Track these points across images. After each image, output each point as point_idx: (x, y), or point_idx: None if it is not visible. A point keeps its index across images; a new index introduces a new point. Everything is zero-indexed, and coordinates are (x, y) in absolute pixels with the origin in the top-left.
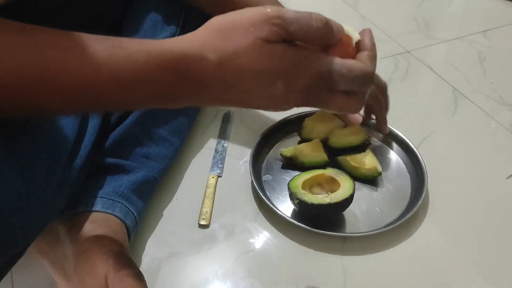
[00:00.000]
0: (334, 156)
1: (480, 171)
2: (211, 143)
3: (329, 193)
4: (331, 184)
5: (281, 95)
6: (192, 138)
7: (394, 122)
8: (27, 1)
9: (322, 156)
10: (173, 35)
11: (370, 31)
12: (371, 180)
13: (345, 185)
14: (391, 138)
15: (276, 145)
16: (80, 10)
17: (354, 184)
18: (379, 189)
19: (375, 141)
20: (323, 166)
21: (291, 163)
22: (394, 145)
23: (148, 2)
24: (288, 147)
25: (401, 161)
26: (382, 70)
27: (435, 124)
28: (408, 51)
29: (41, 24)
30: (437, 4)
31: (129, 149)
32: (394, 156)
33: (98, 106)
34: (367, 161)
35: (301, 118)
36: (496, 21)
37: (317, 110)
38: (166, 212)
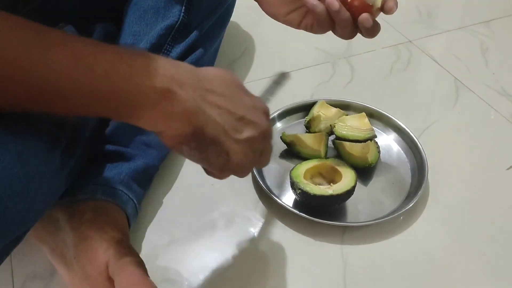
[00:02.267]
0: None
1: (480, 162)
2: None
3: (331, 184)
4: (332, 174)
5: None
6: None
7: (395, 112)
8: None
9: (319, 152)
10: (176, 21)
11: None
12: (372, 169)
13: (346, 176)
14: (392, 127)
15: (277, 133)
16: None
17: (356, 176)
18: (379, 178)
19: (376, 130)
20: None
21: (289, 150)
22: (395, 135)
23: None
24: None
25: (402, 151)
26: (384, 60)
27: (436, 115)
28: (410, 41)
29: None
30: None
31: (129, 136)
32: (395, 146)
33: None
34: (362, 150)
35: (303, 107)
36: (499, 11)
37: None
38: (166, 199)
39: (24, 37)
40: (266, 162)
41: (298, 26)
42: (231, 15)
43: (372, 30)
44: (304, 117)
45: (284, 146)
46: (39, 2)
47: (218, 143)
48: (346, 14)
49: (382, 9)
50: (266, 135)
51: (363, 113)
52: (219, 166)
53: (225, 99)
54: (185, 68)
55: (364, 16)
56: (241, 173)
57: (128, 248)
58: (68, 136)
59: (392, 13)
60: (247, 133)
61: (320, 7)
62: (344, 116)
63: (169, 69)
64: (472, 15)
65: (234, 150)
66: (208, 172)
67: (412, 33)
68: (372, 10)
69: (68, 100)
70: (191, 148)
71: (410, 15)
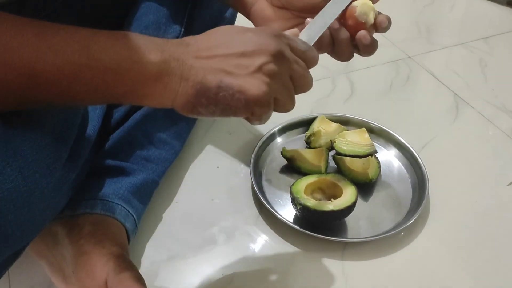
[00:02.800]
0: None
1: (481, 177)
2: (211, 147)
3: (331, 199)
4: (333, 189)
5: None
6: (192, 142)
7: (396, 127)
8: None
9: (319, 168)
10: (177, 36)
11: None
12: (373, 185)
13: (347, 192)
14: (392, 143)
15: (278, 148)
16: (80, 10)
17: (357, 191)
18: (380, 194)
19: (377, 146)
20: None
21: (289, 166)
22: (395, 150)
23: (151, 0)
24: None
25: (402, 166)
26: (383, 76)
27: (436, 130)
28: (410, 57)
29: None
30: (438, 10)
31: (129, 151)
32: (396, 161)
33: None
34: (363, 165)
35: (304, 123)
36: (497, 27)
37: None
38: (166, 215)
39: (24, 31)
40: (305, 84)
41: None
42: None
43: (370, 47)
44: (304, 133)
45: (285, 161)
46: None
47: (225, 87)
48: (345, 33)
49: (375, 25)
50: (280, 56)
51: (363, 129)
52: (240, 107)
53: (217, 47)
54: (173, 41)
55: (362, 33)
56: (278, 106)
57: (127, 263)
58: (69, 151)
59: (384, 27)
60: (256, 62)
61: None
62: (344, 131)
63: (160, 44)
64: (470, 31)
65: (247, 84)
66: (248, 120)
67: (412, 49)
68: (366, 27)
69: (69, 85)
70: (205, 106)
71: (410, 32)
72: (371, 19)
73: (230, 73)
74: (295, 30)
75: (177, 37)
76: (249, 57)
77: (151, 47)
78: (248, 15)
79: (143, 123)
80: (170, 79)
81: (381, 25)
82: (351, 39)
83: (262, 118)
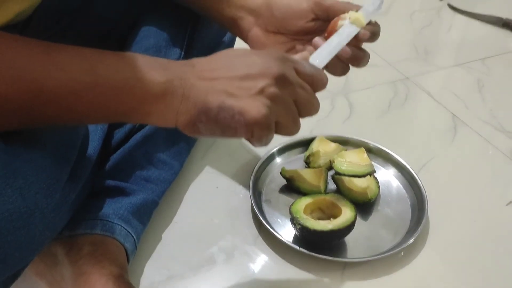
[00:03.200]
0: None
1: (480, 197)
2: (210, 168)
3: (331, 219)
4: (332, 209)
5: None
6: (192, 162)
7: (394, 147)
8: (32, 20)
9: (318, 188)
10: (177, 59)
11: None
12: (372, 204)
13: (346, 211)
14: (391, 163)
15: (277, 168)
16: (82, 33)
17: (356, 211)
18: (379, 214)
19: (375, 165)
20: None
21: (288, 186)
22: (394, 170)
23: (152, 23)
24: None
25: (401, 186)
26: (382, 96)
27: (434, 150)
28: (408, 78)
29: None
30: (436, 32)
31: (129, 171)
32: (394, 181)
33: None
34: (362, 185)
35: (303, 143)
36: (494, 49)
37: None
38: (165, 235)
39: (31, 49)
40: (310, 109)
41: None
42: None
43: (355, 58)
44: (303, 153)
45: (284, 181)
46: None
47: (226, 108)
48: None
49: (358, 37)
50: (283, 79)
51: (362, 148)
52: (240, 128)
53: (221, 69)
54: (178, 62)
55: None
56: (281, 129)
57: (126, 284)
58: (69, 171)
59: (365, 38)
60: (258, 85)
61: (308, 48)
62: (343, 151)
63: (165, 64)
64: (467, 52)
65: (248, 106)
66: (249, 141)
67: (409, 70)
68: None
69: (74, 103)
70: (205, 124)
71: (407, 53)
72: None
73: (232, 95)
74: (305, 53)
75: (177, 59)
76: (252, 79)
77: (155, 66)
78: (245, 40)
79: (143, 143)
80: (173, 98)
81: (362, 37)
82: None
83: (262, 140)
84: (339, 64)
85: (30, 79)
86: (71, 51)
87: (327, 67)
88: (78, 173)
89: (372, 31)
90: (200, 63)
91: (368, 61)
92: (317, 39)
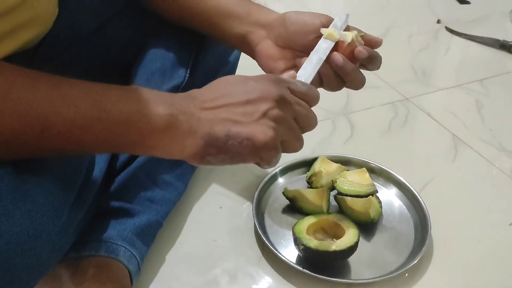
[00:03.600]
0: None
1: (483, 217)
2: (214, 188)
3: (334, 239)
4: (335, 229)
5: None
6: (195, 183)
7: (395, 167)
8: (42, 47)
9: (321, 208)
10: (182, 81)
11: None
12: (374, 225)
13: (349, 232)
14: (392, 183)
15: (279, 189)
16: (91, 59)
17: (359, 231)
18: (382, 234)
19: (377, 185)
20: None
21: (291, 206)
22: (396, 190)
23: (158, 46)
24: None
25: (404, 206)
26: (382, 117)
27: (436, 170)
28: (407, 98)
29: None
30: (433, 53)
31: (133, 192)
32: (397, 201)
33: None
34: (365, 205)
35: (305, 163)
36: (492, 70)
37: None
38: (169, 256)
39: (38, 84)
40: (310, 123)
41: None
42: (234, 74)
43: (346, 72)
44: (305, 173)
45: (287, 202)
46: (49, 67)
47: (233, 136)
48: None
49: (353, 51)
50: (282, 100)
51: (364, 169)
52: (248, 153)
53: (222, 98)
54: (180, 94)
55: (333, 54)
56: (287, 147)
57: None
58: (76, 194)
59: (362, 56)
60: (261, 109)
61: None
62: (345, 171)
63: (168, 98)
64: (466, 74)
65: (254, 131)
66: (258, 165)
67: (409, 91)
68: (343, 47)
69: (80, 136)
70: (214, 155)
71: (406, 74)
72: (348, 37)
73: (237, 122)
74: (292, 73)
75: (182, 81)
76: (253, 104)
77: (159, 101)
78: (252, 55)
79: (147, 165)
80: (178, 132)
81: (359, 55)
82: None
83: (271, 162)
84: (334, 79)
85: (37, 114)
86: (78, 85)
87: (324, 83)
88: (84, 196)
89: (370, 52)
90: (200, 93)
91: (364, 83)
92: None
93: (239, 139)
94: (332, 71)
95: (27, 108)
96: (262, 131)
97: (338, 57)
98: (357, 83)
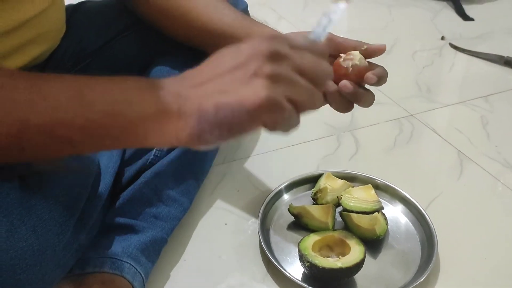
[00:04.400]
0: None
1: (489, 234)
2: (219, 204)
3: (340, 256)
4: (341, 246)
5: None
6: (200, 199)
7: (401, 184)
8: (50, 63)
9: (326, 224)
10: None
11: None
12: (380, 242)
13: (355, 249)
14: (398, 199)
15: (285, 205)
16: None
17: (365, 248)
18: (388, 251)
19: (383, 202)
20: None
21: (296, 222)
22: (402, 207)
23: (164, 63)
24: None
25: (410, 223)
26: (387, 133)
27: (442, 186)
28: (412, 115)
29: None
30: (438, 70)
31: (139, 209)
32: (403, 218)
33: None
34: (371, 222)
35: (310, 180)
36: (496, 86)
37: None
38: (173, 273)
39: (17, 85)
40: (320, 74)
41: None
42: None
43: (356, 96)
44: (311, 189)
45: (292, 218)
46: None
47: (223, 106)
48: (333, 86)
49: (361, 74)
50: (275, 55)
51: (369, 185)
52: (245, 120)
53: (211, 70)
54: (170, 78)
55: (342, 82)
56: (300, 106)
57: None
58: (81, 209)
59: (373, 83)
60: (249, 70)
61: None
62: (351, 188)
63: (157, 83)
64: (470, 90)
65: (244, 95)
66: (270, 131)
67: (413, 107)
68: (348, 72)
69: (64, 132)
70: (209, 132)
71: (410, 90)
72: (355, 64)
73: (226, 91)
74: (303, 32)
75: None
76: (242, 67)
77: (145, 87)
78: None
79: (153, 180)
80: (168, 116)
81: (369, 81)
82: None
83: (279, 124)
84: (343, 101)
85: (15, 114)
86: (59, 81)
87: (332, 104)
88: (89, 212)
89: (379, 75)
90: (191, 72)
91: (373, 101)
92: None
93: (230, 108)
94: (342, 96)
95: (5, 110)
96: (253, 93)
97: (347, 85)
98: (368, 103)
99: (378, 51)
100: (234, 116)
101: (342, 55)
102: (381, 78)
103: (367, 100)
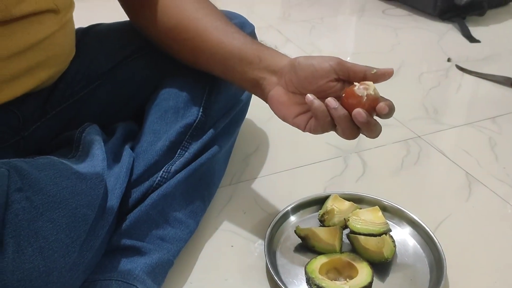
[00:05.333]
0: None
1: (499, 257)
2: (225, 226)
3: (347, 279)
4: (348, 269)
5: None
6: (207, 220)
7: (409, 206)
8: (59, 85)
9: (333, 247)
10: (195, 120)
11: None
12: (388, 264)
13: (363, 272)
14: (406, 221)
15: (291, 227)
16: (106, 97)
17: (373, 271)
18: (397, 274)
19: (391, 224)
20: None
21: (303, 244)
22: (410, 229)
23: (171, 86)
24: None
25: (418, 245)
26: (394, 154)
27: (450, 208)
28: (419, 136)
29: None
30: (444, 92)
31: (145, 230)
32: (411, 240)
33: None
34: (378, 244)
35: (317, 201)
36: (504, 108)
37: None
38: None
39: None
40: None
41: (304, 128)
42: (245, 114)
43: (368, 126)
44: (318, 211)
45: (299, 240)
46: (66, 105)
47: None
48: (343, 111)
49: (374, 106)
50: None
51: (377, 207)
52: None
53: None
54: None
55: (356, 110)
56: None
57: None
58: (86, 231)
59: (384, 114)
60: None
61: (316, 102)
62: (358, 209)
63: None
64: (478, 111)
65: None
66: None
67: (421, 129)
68: (363, 101)
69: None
70: None
71: (417, 112)
72: (370, 93)
73: None
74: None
75: (195, 120)
76: None
77: None
78: (265, 100)
79: (160, 202)
80: None
81: (381, 111)
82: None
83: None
84: (349, 126)
85: None
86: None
87: (338, 130)
88: (95, 233)
89: (390, 107)
90: None
91: (380, 133)
92: (330, 100)
93: None
94: (351, 123)
95: None
96: None
97: (362, 113)
98: (376, 134)
99: (387, 74)
100: None
101: (356, 83)
102: (391, 110)
103: (376, 130)
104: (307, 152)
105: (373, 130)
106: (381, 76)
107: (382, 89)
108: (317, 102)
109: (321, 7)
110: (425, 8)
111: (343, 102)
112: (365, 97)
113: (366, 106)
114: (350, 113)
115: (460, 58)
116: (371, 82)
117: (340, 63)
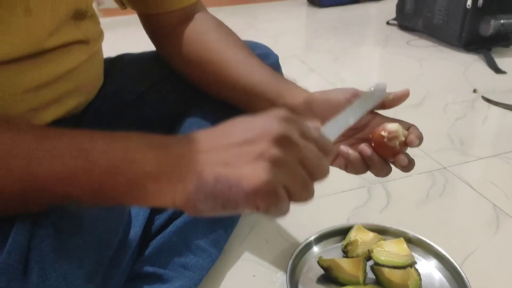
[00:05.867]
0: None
1: None
2: (247, 255)
3: None
4: None
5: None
6: (229, 249)
7: (434, 238)
8: (85, 115)
9: (357, 278)
10: None
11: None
12: None
13: None
14: (432, 254)
15: (314, 257)
16: (133, 124)
17: None
18: None
19: (416, 256)
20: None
21: (326, 275)
22: (436, 262)
23: (196, 114)
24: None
25: (444, 279)
26: (419, 186)
27: (477, 241)
28: (445, 167)
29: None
30: (471, 123)
31: (168, 258)
32: (437, 273)
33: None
34: (403, 277)
35: (340, 232)
36: None
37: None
38: None
39: (24, 139)
40: (319, 172)
41: (331, 164)
42: None
43: (408, 167)
44: (341, 242)
45: (322, 271)
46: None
47: (222, 180)
48: (376, 157)
49: (406, 143)
50: (285, 140)
51: (401, 239)
52: (240, 200)
53: (221, 138)
54: (177, 137)
55: (399, 157)
56: (293, 196)
57: None
58: (110, 257)
59: (415, 146)
60: (257, 149)
61: (353, 154)
62: (382, 241)
63: (162, 143)
64: (505, 143)
65: (246, 174)
66: (263, 213)
67: (446, 160)
68: (397, 149)
69: (65, 189)
70: (203, 201)
71: (443, 143)
72: (401, 140)
73: (229, 164)
74: (317, 123)
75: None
76: (251, 144)
77: (150, 145)
78: None
79: (183, 230)
80: (169, 177)
81: (412, 144)
82: (385, 158)
83: (271, 210)
84: (383, 168)
85: (20, 169)
86: (65, 138)
87: (372, 168)
88: (118, 259)
89: (419, 136)
90: (200, 135)
91: (389, 173)
92: (364, 148)
93: (228, 184)
94: (385, 164)
95: (10, 163)
96: (254, 174)
97: (404, 159)
98: (384, 174)
99: (404, 96)
100: (231, 193)
101: (383, 133)
102: (421, 141)
103: (412, 165)
104: (331, 182)
105: (411, 167)
106: (398, 100)
107: (407, 120)
108: (353, 155)
109: (345, 38)
110: (450, 39)
111: (375, 149)
112: (398, 147)
113: (400, 150)
114: (381, 155)
115: (486, 89)
116: (396, 125)
117: (356, 94)
